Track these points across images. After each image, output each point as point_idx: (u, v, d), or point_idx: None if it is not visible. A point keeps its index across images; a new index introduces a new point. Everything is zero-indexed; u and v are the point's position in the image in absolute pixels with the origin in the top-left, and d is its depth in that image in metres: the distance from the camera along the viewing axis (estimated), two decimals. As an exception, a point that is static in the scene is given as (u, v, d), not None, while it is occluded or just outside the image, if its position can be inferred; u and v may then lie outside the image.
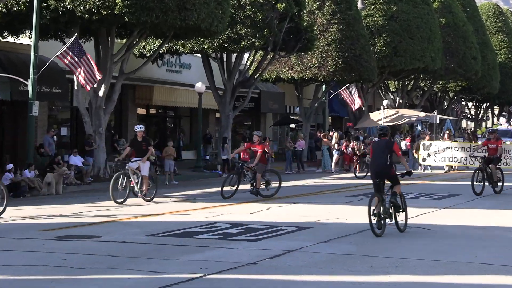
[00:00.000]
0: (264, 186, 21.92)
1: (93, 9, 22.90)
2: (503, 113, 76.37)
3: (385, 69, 45.58)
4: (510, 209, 19.60)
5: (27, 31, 25.87)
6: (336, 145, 36.06)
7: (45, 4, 23.14)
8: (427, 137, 36.40)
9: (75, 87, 26.04)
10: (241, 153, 22.81)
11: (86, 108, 26.72)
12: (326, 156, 36.03)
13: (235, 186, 21.41)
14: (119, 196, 19.84)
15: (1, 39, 26.54)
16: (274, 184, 22.15)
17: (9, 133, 27.99)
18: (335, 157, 35.23)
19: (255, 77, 35.52)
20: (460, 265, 11.47)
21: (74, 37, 23.78)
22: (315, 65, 39.32)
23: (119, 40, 28.75)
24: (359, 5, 42.37)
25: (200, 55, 34.68)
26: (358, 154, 34.05)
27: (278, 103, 43.80)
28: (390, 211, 14.39)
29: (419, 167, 35.35)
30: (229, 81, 34.55)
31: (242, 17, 31.46)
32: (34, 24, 23.31)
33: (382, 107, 45.22)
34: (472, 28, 56.00)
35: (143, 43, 31.37)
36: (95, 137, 26.83)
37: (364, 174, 31.03)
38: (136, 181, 20.45)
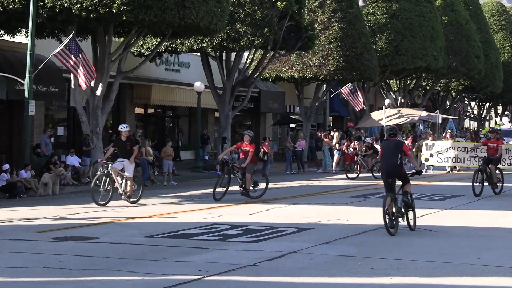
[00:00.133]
0: (252, 187, 21.76)
1: (90, 7, 22.89)
2: (506, 112, 76.35)
3: (387, 68, 45.58)
4: (513, 210, 19.63)
5: (23, 30, 25.86)
6: (337, 145, 36.08)
7: (41, 3, 23.13)
8: (430, 137, 36.40)
9: (72, 86, 26.03)
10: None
11: (83, 108, 26.71)
12: (327, 157, 36.04)
13: (225, 188, 21.25)
14: (101, 198, 19.42)
15: (-3, 38, 26.57)
16: (263, 186, 22.04)
17: (5, 133, 27.98)
18: (336, 157, 35.25)
19: (255, 76, 35.52)
20: (463, 266, 11.47)
21: (71, 35, 23.77)
22: (316, 64, 39.32)
23: (116, 39, 28.75)
24: (360, 3, 42.35)
25: (199, 54, 34.68)
26: (359, 154, 34.09)
27: (278, 102, 43.80)
28: (402, 210, 14.83)
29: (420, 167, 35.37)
30: (229, 80, 34.55)
31: (242, 15, 31.46)
32: (31, 22, 23.31)
33: (383, 106, 45.17)
34: (475, 26, 55.99)
35: (141, 42, 31.36)
36: (93, 137, 26.81)
37: (355, 175, 31.19)
38: (120, 182, 20.02)
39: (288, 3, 31.83)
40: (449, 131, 38.94)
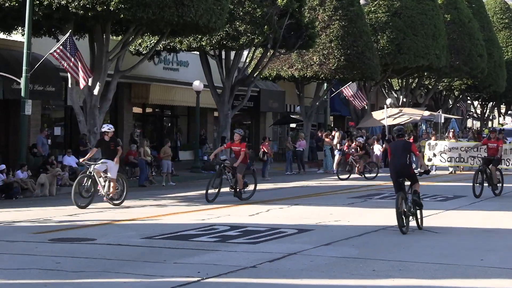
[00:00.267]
0: (236, 194, 21.59)
1: (87, 5, 22.89)
2: (510, 112, 76.40)
3: (388, 66, 45.58)
4: (517, 211, 19.65)
5: (19, 28, 25.87)
6: (338, 145, 36.07)
7: (38, 1, 23.13)
8: (433, 137, 36.41)
9: (69, 85, 26.03)
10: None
11: (80, 107, 26.71)
12: (328, 157, 36.05)
13: (217, 189, 21.07)
14: (82, 200, 19.15)
15: (-7, 36, 26.59)
16: (251, 187, 21.99)
17: (1, 132, 27.99)
18: (336, 158, 35.25)
19: (255, 75, 35.52)
20: (465, 268, 11.47)
21: (68, 34, 23.77)
22: (316, 62, 39.32)
23: (114, 37, 28.75)
24: (362, 1, 42.38)
25: (198, 53, 34.68)
26: (351, 154, 34.05)
27: (278, 102, 43.80)
28: (412, 209, 15.26)
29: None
30: (228, 79, 34.55)
31: (241, 13, 31.45)
32: (27, 20, 23.31)
33: (385, 106, 45.21)
34: (478, 24, 55.98)
35: (139, 40, 31.36)
36: (90, 137, 26.80)
37: (347, 176, 31.06)
38: (103, 184, 19.65)
39: (288, 1, 31.82)
40: (452, 130, 38.96)
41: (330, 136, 37.13)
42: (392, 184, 15.71)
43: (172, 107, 38.20)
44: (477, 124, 77.99)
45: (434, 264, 11.71)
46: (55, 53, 23.52)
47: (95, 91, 26.53)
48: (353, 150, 33.09)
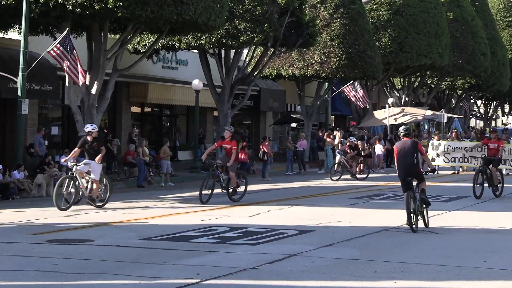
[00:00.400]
0: (230, 193, 21.48)
1: (85, 3, 22.87)
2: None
3: (390, 65, 45.57)
4: (520, 211, 19.65)
5: (16, 26, 25.87)
6: (339, 145, 36.06)
7: (34, -2, 23.14)
8: (436, 137, 36.41)
9: (67, 84, 26.03)
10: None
11: (78, 107, 26.71)
12: (330, 157, 36.03)
13: (210, 190, 20.91)
14: (63, 202, 18.90)
15: (-11, 34, 26.57)
16: (242, 189, 21.93)
17: (-3, 132, 28.00)
18: (337, 158, 35.22)
19: (255, 74, 35.51)
20: (468, 270, 11.47)
21: (65, 32, 23.77)
22: (317, 61, 39.32)
23: (112, 36, 28.73)
24: (363, -1, 42.40)
25: (197, 51, 34.67)
26: (362, 154, 34.05)
27: (278, 101, 43.80)
28: (420, 208, 15.65)
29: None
30: (228, 78, 34.55)
31: (241, 11, 31.45)
32: (24, 18, 23.30)
33: (387, 105, 45.21)
34: (481, 22, 55.95)
35: (138, 39, 31.35)
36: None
37: (337, 177, 30.89)
38: (85, 185, 19.42)
39: (289, -2, 31.84)
40: (455, 130, 38.95)
41: (332, 136, 37.12)
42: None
43: (171, 106, 38.20)
44: (481, 123, 77.97)
45: (436, 266, 11.71)
46: (52, 52, 23.51)
47: (93, 90, 26.53)
48: (346, 150, 32.92)
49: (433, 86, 56.59)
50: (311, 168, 37.91)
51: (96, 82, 26.39)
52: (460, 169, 35.68)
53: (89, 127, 20.22)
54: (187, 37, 31.57)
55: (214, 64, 34.80)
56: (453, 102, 63.50)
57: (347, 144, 33.53)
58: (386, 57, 44.20)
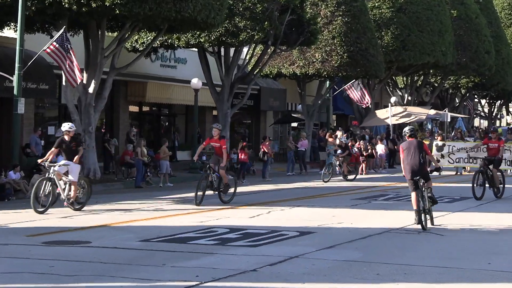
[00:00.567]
0: (222, 190, 21.47)
1: (82, 0, 22.89)
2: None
3: (393, 64, 45.57)
4: (525, 212, 19.64)
5: (12, 24, 25.86)
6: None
7: (31, -5, 23.14)
8: (439, 137, 36.39)
9: (64, 83, 26.02)
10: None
11: (75, 106, 26.71)
12: (331, 157, 35.98)
13: (203, 192, 20.84)
14: (40, 205, 18.64)
15: (-16, 32, 26.57)
16: (232, 190, 21.89)
17: (-7, 132, 28.00)
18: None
19: (255, 73, 35.51)
20: (472, 272, 11.47)
21: (62, 30, 23.77)
22: (319, 60, 39.32)
23: (110, 33, 28.75)
24: (365, -4, 42.38)
25: (196, 49, 34.67)
26: (364, 154, 34.04)
27: (279, 100, 43.80)
28: (428, 206, 16.13)
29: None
30: (227, 77, 34.55)
31: (241, 9, 31.44)
32: (20, 16, 23.29)
33: (389, 104, 45.24)
34: (485, 20, 55.94)
35: (136, 37, 31.37)
36: (85, 136, 26.81)
37: (328, 178, 30.55)
38: (63, 187, 19.07)
39: (290, -4, 31.85)
40: (459, 131, 38.95)
41: (334, 136, 37.10)
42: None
43: (169, 105, 38.20)
44: (485, 123, 77.95)
45: (440, 268, 11.71)
46: (48, 50, 23.51)
47: (90, 89, 26.53)
48: (339, 150, 32.68)
49: (436, 85, 56.58)
50: (312, 168, 37.92)
51: (93, 81, 26.39)
52: (463, 170, 35.65)
53: (66, 126, 19.81)
54: (186, 35, 31.56)
55: (213, 62, 34.79)
56: (457, 101, 63.50)
57: (337, 144, 33.36)
58: (388, 56, 44.19)
